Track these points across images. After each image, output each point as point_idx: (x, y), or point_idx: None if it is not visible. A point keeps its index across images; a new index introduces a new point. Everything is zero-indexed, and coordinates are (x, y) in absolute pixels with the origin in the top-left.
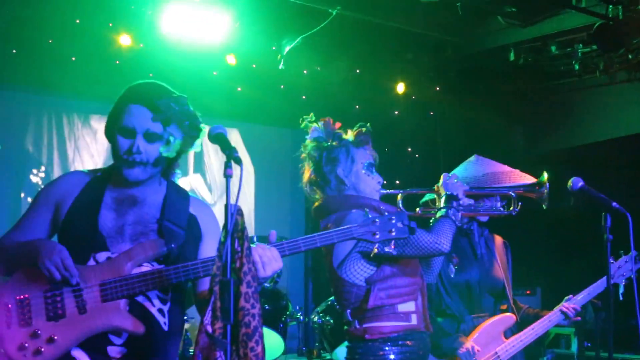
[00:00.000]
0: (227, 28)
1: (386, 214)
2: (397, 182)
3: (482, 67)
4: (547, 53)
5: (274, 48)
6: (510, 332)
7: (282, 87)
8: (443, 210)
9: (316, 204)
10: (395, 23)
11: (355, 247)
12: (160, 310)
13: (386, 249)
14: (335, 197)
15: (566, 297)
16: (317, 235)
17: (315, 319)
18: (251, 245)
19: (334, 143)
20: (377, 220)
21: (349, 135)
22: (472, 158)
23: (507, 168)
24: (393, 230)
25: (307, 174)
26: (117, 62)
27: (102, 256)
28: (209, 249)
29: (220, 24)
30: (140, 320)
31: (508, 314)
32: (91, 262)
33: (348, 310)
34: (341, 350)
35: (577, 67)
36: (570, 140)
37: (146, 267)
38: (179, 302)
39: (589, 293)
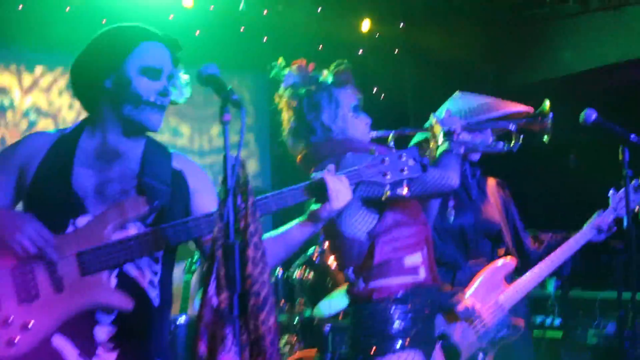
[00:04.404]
0: None
1: (394, 151)
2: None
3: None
4: None
5: None
6: (510, 277)
7: (242, 29)
8: (445, 144)
9: (303, 151)
10: None
11: (356, 191)
12: (151, 283)
13: (398, 191)
14: (325, 143)
15: (596, 212)
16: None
17: (295, 274)
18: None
19: (312, 87)
20: (386, 159)
21: (327, 76)
22: (457, 94)
23: (496, 99)
24: (405, 169)
25: (287, 124)
26: (68, 8)
27: (82, 221)
28: (202, 206)
29: None
30: (130, 295)
31: (507, 257)
32: (70, 230)
33: (350, 269)
34: (324, 305)
35: None
36: (543, 73)
37: (132, 230)
38: (169, 272)
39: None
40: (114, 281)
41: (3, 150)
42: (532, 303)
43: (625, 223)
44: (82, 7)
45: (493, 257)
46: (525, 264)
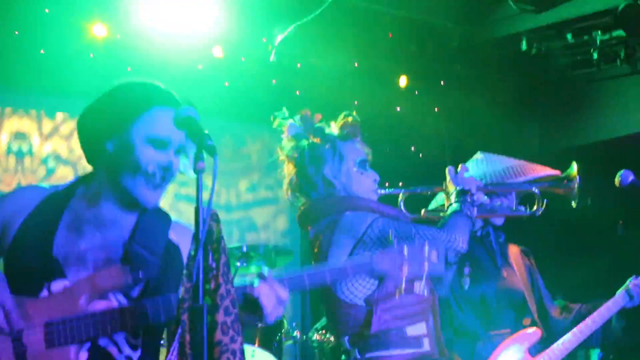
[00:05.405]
0: (212, 16)
1: (417, 240)
2: (400, 184)
3: (492, 59)
4: (563, 41)
5: (264, 39)
6: (535, 349)
7: (274, 81)
8: (456, 205)
9: (301, 208)
10: (397, 10)
11: (353, 254)
12: (128, 358)
13: (415, 288)
14: (324, 199)
15: (630, 278)
16: (327, 269)
17: (314, 337)
18: (256, 281)
19: (316, 140)
20: (405, 249)
21: (333, 128)
22: (479, 155)
23: (521, 161)
24: (426, 264)
25: (287, 179)
26: (91, 54)
27: (58, 286)
28: None
29: (205, 12)
30: None
31: (531, 329)
32: (44, 294)
33: (346, 337)
34: None
35: (595, 56)
36: (588, 137)
37: (111, 302)
38: (153, 348)
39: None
40: (83, 355)
41: None
42: None
43: None
44: (106, 54)
45: (517, 327)
46: (550, 335)
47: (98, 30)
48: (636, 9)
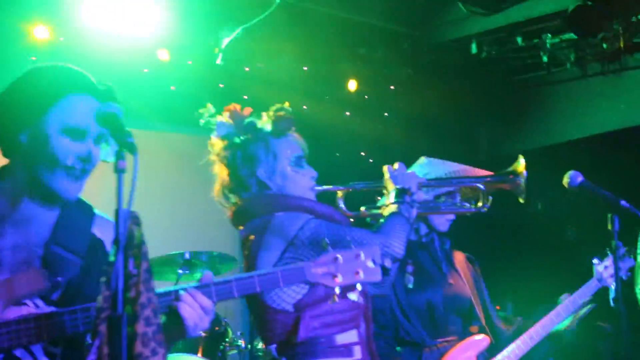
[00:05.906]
0: (158, 19)
1: (353, 247)
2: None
3: (442, 62)
4: (513, 45)
5: (211, 43)
6: (483, 357)
7: (220, 85)
8: (393, 207)
9: (233, 209)
10: (346, 13)
11: (283, 257)
12: None
13: (348, 296)
14: (257, 197)
15: (561, 297)
16: (257, 276)
17: (259, 346)
18: (180, 292)
19: (247, 136)
20: (340, 257)
21: (266, 123)
22: (422, 159)
23: (465, 166)
24: (360, 271)
25: (219, 180)
26: (33, 58)
27: None
28: None
29: (150, 14)
30: None
31: (480, 336)
32: None
33: (273, 345)
34: None
35: (545, 59)
36: (537, 140)
37: (29, 308)
38: (73, 357)
39: (582, 294)
40: None
41: None
42: None
43: (611, 294)
44: (49, 57)
45: (465, 335)
46: (498, 343)
47: (40, 32)
48: (585, 11)
